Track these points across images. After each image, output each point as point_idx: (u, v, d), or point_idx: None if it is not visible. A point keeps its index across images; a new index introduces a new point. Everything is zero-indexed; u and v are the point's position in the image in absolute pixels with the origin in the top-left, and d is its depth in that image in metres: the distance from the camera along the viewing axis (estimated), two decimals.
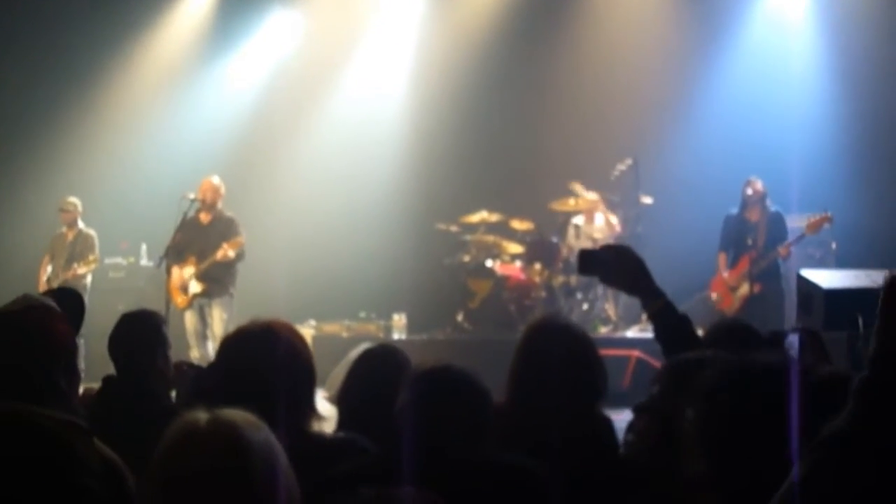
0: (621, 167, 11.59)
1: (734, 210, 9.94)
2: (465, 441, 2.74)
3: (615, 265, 3.12)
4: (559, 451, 3.14)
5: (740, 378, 1.94)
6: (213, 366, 3.56)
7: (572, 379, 3.33)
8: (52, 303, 2.67)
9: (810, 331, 3.81)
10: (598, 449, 3.33)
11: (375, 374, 3.56)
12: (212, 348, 10.05)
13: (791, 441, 1.79)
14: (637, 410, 2.70)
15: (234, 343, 2.98)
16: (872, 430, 1.67)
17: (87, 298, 11.46)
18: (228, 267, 10.15)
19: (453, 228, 12.34)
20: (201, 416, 1.89)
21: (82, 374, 9.49)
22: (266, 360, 2.80)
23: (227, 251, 9.92)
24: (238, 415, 1.91)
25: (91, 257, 11.27)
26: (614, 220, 11.81)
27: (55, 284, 11.29)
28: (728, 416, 1.90)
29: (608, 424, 3.45)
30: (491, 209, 12.06)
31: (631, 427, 2.82)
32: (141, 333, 4.40)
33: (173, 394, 4.56)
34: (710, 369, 2.02)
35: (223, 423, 1.88)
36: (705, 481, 1.91)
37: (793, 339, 3.66)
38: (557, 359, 3.35)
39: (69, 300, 3.04)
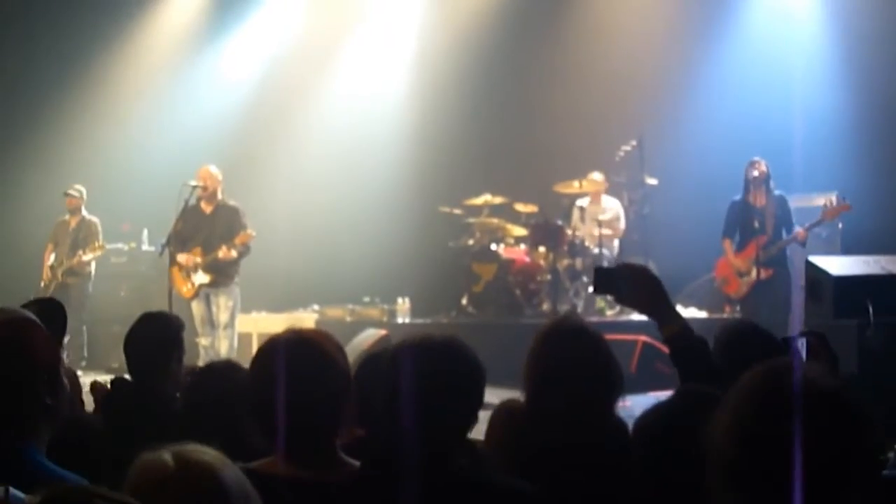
0: (626, 148, 11.52)
1: (738, 196, 9.84)
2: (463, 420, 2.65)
3: (631, 285, 3.05)
4: (573, 455, 3.10)
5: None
6: (220, 374, 3.53)
7: (588, 382, 3.28)
8: (31, 315, 2.60)
9: (817, 334, 3.74)
10: (611, 454, 3.28)
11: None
12: (221, 336, 10.02)
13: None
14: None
15: (269, 349, 2.89)
16: None
17: (90, 286, 11.47)
18: (232, 261, 10.10)
19: (457, 211, 12.27)
20: (167, 458, 1.78)
21: (83, 363, 9.52)
22: (299, 373, 2.72)
23: (228, 252, 9.86)
24: (208, 453, 1.81)
25: (96, 244, 11.25)
26: (619, 202, 11.76)
27: (59, 272, 11.29)
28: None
29: (623, 429, 3.40)
30: (494, 192, 12.00)
31: None
32: (159, 336, 4.39)
33: None
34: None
35: (195, 464, 1.78)
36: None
37: (802, 342, 3.61)
38: (573, 362, 3.30)
39: (50, 311, 2.98)
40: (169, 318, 4.67)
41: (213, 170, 10.25)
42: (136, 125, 13.42)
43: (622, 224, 11.70)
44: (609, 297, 8.60)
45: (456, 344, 2.65)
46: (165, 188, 10.37)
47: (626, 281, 3.06)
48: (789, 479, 1.66)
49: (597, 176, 11.68)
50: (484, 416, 3.65)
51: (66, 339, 3.09)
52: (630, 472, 3.17)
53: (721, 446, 1.79)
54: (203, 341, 10.05)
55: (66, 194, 11.54)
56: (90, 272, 11.55)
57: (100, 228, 11.54)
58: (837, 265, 6.72)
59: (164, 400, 4.21)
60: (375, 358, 3.71)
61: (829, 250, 10.16)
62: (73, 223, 11.52)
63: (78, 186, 11.62)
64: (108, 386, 4.43)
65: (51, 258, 11.50)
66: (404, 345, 2.63)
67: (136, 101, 13.53)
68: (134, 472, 1.78)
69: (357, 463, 2.70)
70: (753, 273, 9.64)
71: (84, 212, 11.58)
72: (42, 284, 11.44)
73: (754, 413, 1.76)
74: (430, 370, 2.56)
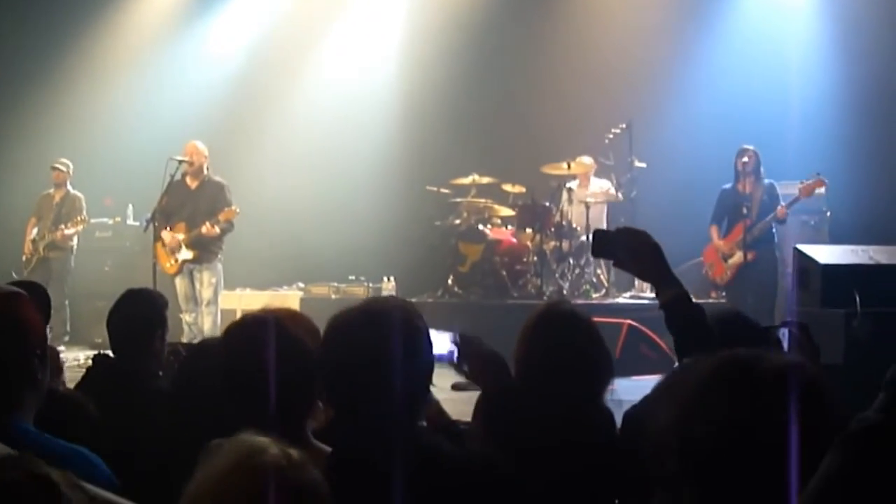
0: (615, 131, 11.51)
1: (728, 184, 9.88)
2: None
3: (630, 249, 3.00)
4: (560, 440, 3.09)
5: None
6: (213, 352, 3.49)
7: (577, 368, 3.27)
8: (21, 290, 2.58)
9: (800, 324, 3.72)
10: (598, 440, 3.28)
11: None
12: (204, 312, 9.98)
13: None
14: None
15: (238, 330, 2.88)
16: None
17: (72, 260, 11.40)
18: (216, 237, 10.05)
19: (444, 191, 12.23)
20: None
21: (67, 338, 9.47)
22: (266, 354, 2.69)
23: (212, 228, 9.81)
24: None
25: (79, 218, 11.21)
26: (608, 184, 11.75)
27: (41, 246, 11.24)
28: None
29: (609, 417, 3.39)
30: (482, 172, 11.95)
31: None
32: (143, 313, 4.36)
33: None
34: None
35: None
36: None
37: (784, 332, 3.60)
38: (563, 348, 3.28)
39: (33, 292, 2.95)
40: (153, 295, 4.63)
41: (200, 145, 10.19)
42: (122, 100, 13.35)
43: (606, 208, 11.70)
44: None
45: (390, 310, 2.56)
46: (151, 163, 10.32)
47: (625, 245, 3.01)
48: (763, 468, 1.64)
49: (585, 158, 11.66)
50: (469, 397, 3.65)
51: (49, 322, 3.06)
52: (616, 457, 3.17)
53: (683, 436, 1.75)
54: (186, 317, 10.01)
55: (53, 168, 11.51)
56: (72, 246, 11.50)
57: (84, 203, 11.49)
58: (826, 254, 6.72)
59: (147, 377, 4.20)
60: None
61: (816, 239, 10.19)
62: (58, 197, 11.47)
63: (64, 160, 11.57)
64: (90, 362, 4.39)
65: (33, 232, 11.45)
66: (343, 319, 2.56)
67: (122, 76, 13.45)
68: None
69: (327, 448, 2.66)
70: (738, 255, 9.68)
71: (69, 186, 11.53)
72: (24, 258, 11.39)
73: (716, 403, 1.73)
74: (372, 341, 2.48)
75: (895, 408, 1.66)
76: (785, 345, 3.55)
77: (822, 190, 10.17)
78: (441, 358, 2.99)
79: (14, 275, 10.93)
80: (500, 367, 2.95)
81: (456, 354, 2.99)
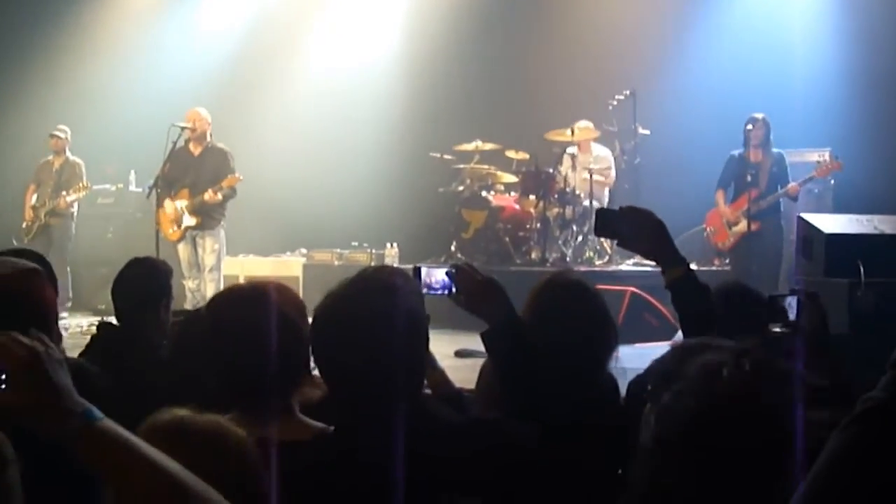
0: (619, 98, 11.46)
1: (737, 151, 9.82)
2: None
3: (634, 228, 2.97)
4: (564, 408, 3.07)
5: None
6: (202, 321, 3.47)
7: (582, 336, 3.26)
8: (37, 266, 2.57)
9: (809, 293, 3.70)
10: (602, 408, 3.27)
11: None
12: (206, 279, 9.97)
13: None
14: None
15: (223, 302, 2.86)
16: None
17: (73, 227, 11.38)
18: (219, 203, 10.02)
19: (447, 157, 12.19)
20: None
21: (69, 304, 9.49)
22: (251, 326, 2.66)
23: (214, 195, 9.78)
24: None
25: (80, 185, 11.18)
26: (608, 152, 11.72)
27: (42, 213, 11.20)
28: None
29: (613, 384, 3.39)
30: (486, 138, 11.90)
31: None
32: (148, 282, 4.37)
33: None
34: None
35: None
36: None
37: (791, 301, 3.58)
38: (568, 317, 3.27)
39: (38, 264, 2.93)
40: (158, 264, 4.63)
41: (203, 112, 10.14)
42: (124, 67, 13.31)
43: (613, 173, 11.68)
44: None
45: (384, 283, 2.51)
46: (153, 130, 10.27)
47: (629, 224, 2.98)
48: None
49: (589, 124, 11.61)
50: (474, 363, 3.65)
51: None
52: (621, 425, 3.16)
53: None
54: (189, 284, 10.00)
55: (52, 135, 11.47)
56: (73, 213, 11.47)
57: (84, 169, 11.45)
58: (830, 223, 6.68)
59: (151, 346, 4.20)
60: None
61: (820, 207, 10.14)
62: (57, 164, 11.43)
63: (63, 127, 11.53)
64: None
65: (33, 198, 11.41)
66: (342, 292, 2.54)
67: (124, 42, 13.39)
68: None
69: (314, 423, 2.64)
70: (742, 224, 9.66)
71: (68, 153, 11.49)
72: (24, 225, 11.36)
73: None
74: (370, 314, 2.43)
75: None
76: (793, 313, 3.54)
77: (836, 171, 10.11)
78: (437, 291, 2.98)
79: (14, 242, 10.92)
80: (496, 292, 2.92)
81: (452, 286, 2.96)
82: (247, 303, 2.71)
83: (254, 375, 2.58)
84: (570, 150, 11.63)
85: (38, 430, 1.67)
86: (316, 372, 2.59)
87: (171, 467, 1.71)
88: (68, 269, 11.43)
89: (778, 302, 3.60)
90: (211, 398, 2.72)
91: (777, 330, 3.50)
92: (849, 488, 1.54)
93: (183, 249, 10.04)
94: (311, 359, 2.61)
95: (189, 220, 9.93)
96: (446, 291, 2.97)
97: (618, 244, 3.18)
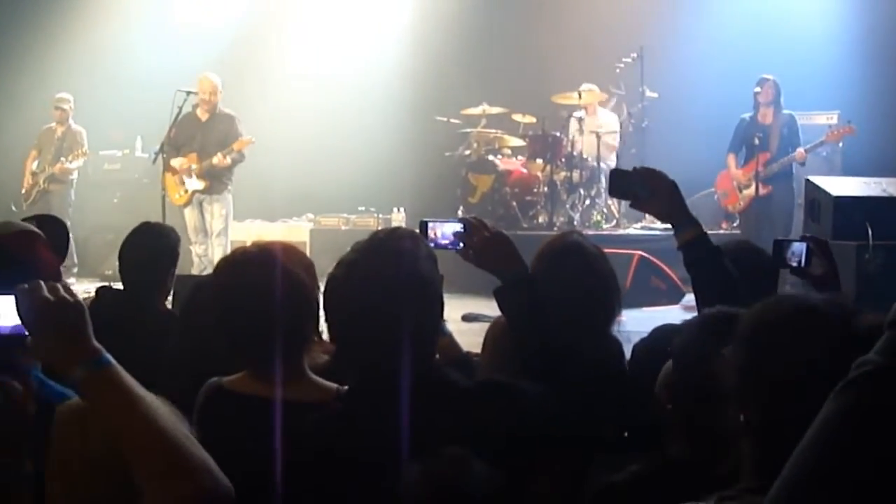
0: (626, 60, 11.40)
1: (747, 114, 9.76)
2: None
3: (648, 189, 2.96)
4: (569, 371, 3.06)
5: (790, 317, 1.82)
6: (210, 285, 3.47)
7: (586, 298, 3.24)
8: (36, 229, 2.56)
9: (818, 239, 3.68)
10: (607, 371, 3.26)
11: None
12: (214, 244, 9.96)
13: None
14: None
15: (230, 265, 2.85)
16: None
17: (73, 193, 11.31)
18: (228, 167, 9.99)
19: (454, 121, 12.15)
20: None
21: (75, 269, 9.47)
22: (260, 288, 2.66)
23: (224, 158, 9.75)
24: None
25: (79, 151, 11.10)
26: (614, 116, 11.67)
27: (41, 178, 11.15)
28: (779, 358, 1.79)
29: (618, 347, 3.37)
30: (492, 102, 11.86)
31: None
32: (156, 246, 4.36)
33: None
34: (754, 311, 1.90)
35: None
36: (748, 428, 1.82)
37: (799, 249, 3.56)
38: (569, 280, 3.25)
39: (53, 228, 2.92)
40: (167, 229, 4.63)
41: (214, 78, 10.09)
42: (130, 32, 13.20)
43: (618, 138, 11.61)
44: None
45: (397, 247, 2.48)
46: (160, 95, 10.22)
47: (643, 185, 2.96)
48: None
49: (595, 88, 11.55)
50: (481, 328, 3.64)
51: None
52: (625, 387, 3.16)
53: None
54: (196, 249, 9.98)
55: (55, 107, 11.33)
56: (73, 180, 11.39)
57: (85, 138, 11.35)
58: (838, 185, 6.64)
59: (154, 309, 4.20)
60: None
61: (829, 170, 10.12)
62: (60, 132, 11.35)
63: (64, 96, 11.41)
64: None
65: (34, 164, 11.36)
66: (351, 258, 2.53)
67: (129, 3, 13.29)
68: None
69: (327, 384, 2.64)
70: (753, 188, 9.62)
71: (71, 121, 11.40)
72: (23, 190, 11.31)
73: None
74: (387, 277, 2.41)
75: None
76: (802, 260, 3.52)
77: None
78: (445, 245, 2.96)
79: (13, 208, 10.92)
80: (506, 246, 2.91)
81: (460, 243, 2.95)
82: (254, 264, 2.70)
83: (263, 336, 2.56)
84: (578, 114, 11.58)
85: (57, 371, 1.84)
86: (325, 335, 2.60)
87: (168, 427, 1.76)
88: (71, 234, 11.37)
89: (784, 247, 3.59)
90: (216, 362, 2.73)
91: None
92: (843, 460, 1.44)
93: (189, 214, 10.02)
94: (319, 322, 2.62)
95: (196, 184, 9.90)
96: (455, 247, 2.96)
97: (631, 205, 3.16)
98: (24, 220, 2.94)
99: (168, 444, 1.74)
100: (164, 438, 1.74)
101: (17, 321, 1.82)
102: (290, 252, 2.78)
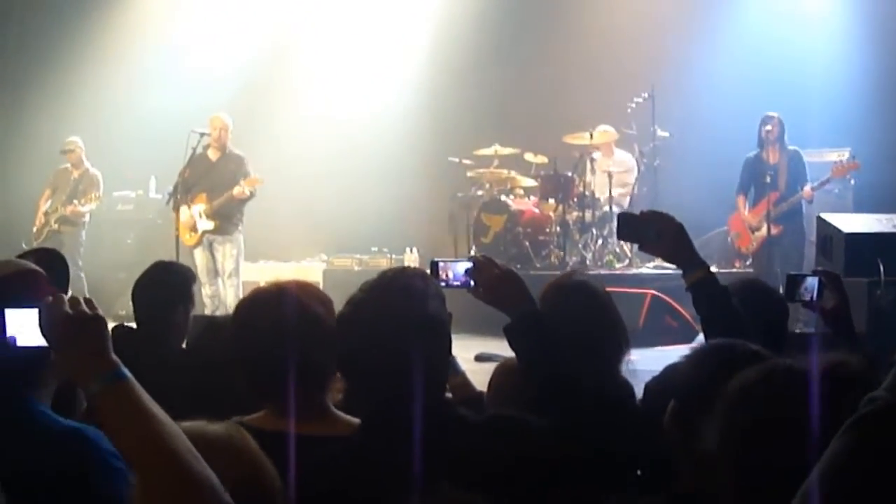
0: (638, 100, 11.44)
1: (752, 152, 9.80)
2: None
3: (655, 231, 2.99)
4: (579, 406, 3.06)
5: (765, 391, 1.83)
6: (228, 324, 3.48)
7: (590, 339, 3.25)
8: (37, 267, 2.58)
9: (830, 273, 3.71)
10: (618, 407, 3.25)
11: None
12: (226, 284, 9.97)
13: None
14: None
15: (249, 304, 2.87)
16: None
17: (83, 234, 11.28)
18: (239, 204, 10.04)
19: (466, 161, 12.19)
20: None
21: None
22: (278, 326, 2.67)
23: (244, 189, 9.79)
24: None
25: (93, 195, 11.08)
26: (629, 156, 11.69)
27: (53, 219, 11.15)
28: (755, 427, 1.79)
29: (627, 388, 3.37)
30: (505, 142, 11.91)
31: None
32: (171, 285, 4.35)
33: None
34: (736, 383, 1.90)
35: None
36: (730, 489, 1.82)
37: (812, 283, 3.58)
38: (574, 318, 3.26)
39: (49, 262, 2.93)
40: (182, 268, 4.63)
41: (225, 117, 10.17)
42: (144, 73, 13.31)
43: (634, 177, 11.61)
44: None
45: (409, 285, 2.51)
46: (174, 136, 10.31)
47: (650, 227, 3.00)
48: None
49: (607, 128, 11.60)
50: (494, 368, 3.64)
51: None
52: (635, 430, 3.15)
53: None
54: (207, 290, 9.96)
55: (63, 152, 11.30)
56: (85, 222, 11.36)
57: (101, 181, 11.34)
58: (849, 222, 6.66)
59: (168, 349, 4.18)
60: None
61: (840, 207, 10.10)
62: (76, 174, 11.29)
63: (73, 140, 11.34)
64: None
65: (46, 204, 11.36)
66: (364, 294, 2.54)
67: (142, 47, 13.40)
68: None
69: (350, 418, 2.65)
70: (764, 229, 9.62)
71: (87, 163, 11.36)
72: (34, 229, 11.31)
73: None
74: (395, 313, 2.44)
75: None
76: (814, 294, 3.54)
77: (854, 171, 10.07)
78: (458, 285, 2.99)
79: (24, 246, 10.96)
80: (516, 284, 2.93)
81: (471, 281, 2.97)
82: (270, 302, 2.72)
83: (283, 373, 2.56)
84: (595, 154, 11.60)
85: (76, 383, 1.92)
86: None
87: (177, 444, 1.79)
88: (82, 274, 11.37)
89: (798, 281, 3.61)
90: (232, 399, 2.74)
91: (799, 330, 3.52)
92: (852, 497, 1.45)
93: (200, 255, 10.04)
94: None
95: (206, 225, 9.94)
96: (466, 285, 2.98)
97: (639, 248, 3.20)
98: (21, 255, 2.95)
99: (176, 461, 1.77)
100: (173, 454, 1.77)
101: (38, 335, 1.87)
102: (306, 289, 2.79)
